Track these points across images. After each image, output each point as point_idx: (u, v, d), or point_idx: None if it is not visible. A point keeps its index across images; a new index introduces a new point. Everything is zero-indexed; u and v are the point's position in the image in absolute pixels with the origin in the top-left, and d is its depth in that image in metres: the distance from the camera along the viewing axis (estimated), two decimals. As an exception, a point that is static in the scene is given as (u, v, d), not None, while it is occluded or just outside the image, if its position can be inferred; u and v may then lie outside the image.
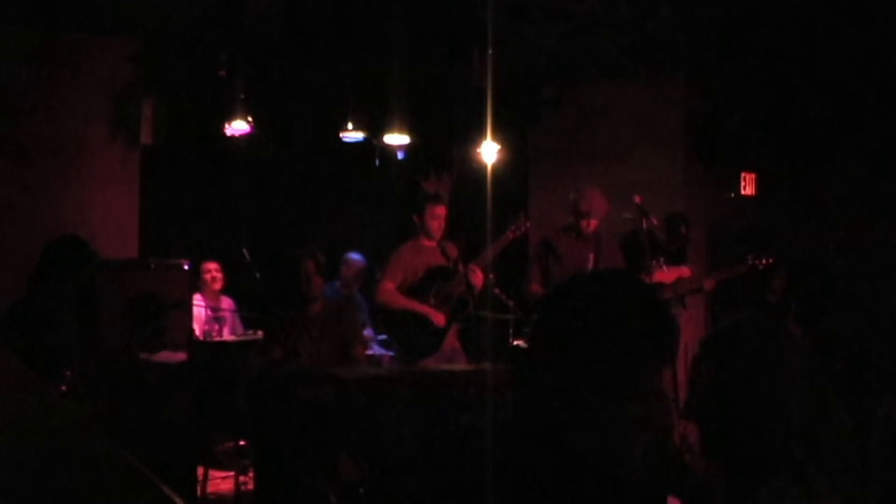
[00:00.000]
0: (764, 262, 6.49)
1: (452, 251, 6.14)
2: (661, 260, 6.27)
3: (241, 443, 5.85)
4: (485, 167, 7.07)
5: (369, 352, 6.55)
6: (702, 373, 1.82)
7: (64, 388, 4.51)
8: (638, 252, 6.50)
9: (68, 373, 4.57)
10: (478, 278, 6.02)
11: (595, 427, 1.67)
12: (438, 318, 5.99)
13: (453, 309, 6.05)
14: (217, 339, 6.63)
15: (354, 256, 7.68)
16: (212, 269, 7.12)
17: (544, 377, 1.73)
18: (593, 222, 6.13)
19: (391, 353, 6.44)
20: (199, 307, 6.66)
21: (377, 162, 7.66)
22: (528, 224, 6.27)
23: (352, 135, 7.20)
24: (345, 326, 5.62)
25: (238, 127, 6.81)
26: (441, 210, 6.13)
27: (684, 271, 6.40)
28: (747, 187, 8.01)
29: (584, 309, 1.73)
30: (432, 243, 6.13)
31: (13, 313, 4.72)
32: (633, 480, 1.66)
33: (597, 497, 1.62)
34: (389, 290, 6.05)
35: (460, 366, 5.69)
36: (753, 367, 1.74)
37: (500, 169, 7.21)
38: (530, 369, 1.77)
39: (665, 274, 6.27)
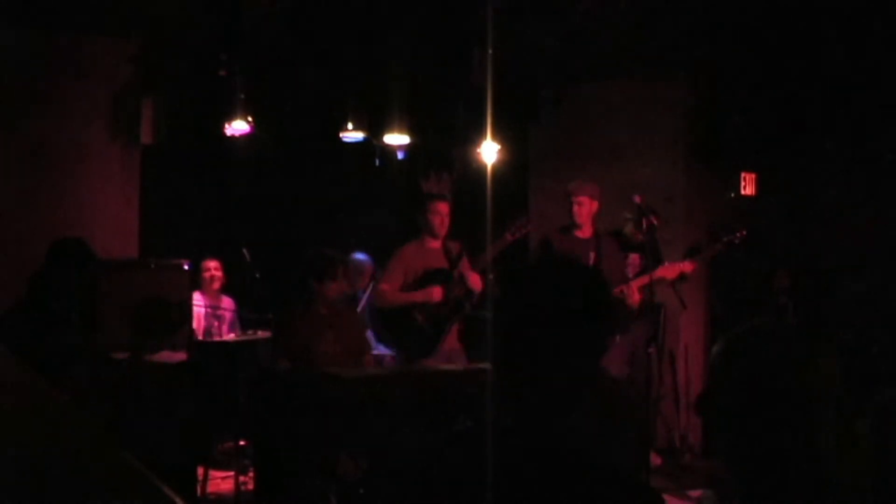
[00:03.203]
0: (738, 236, 6.44)
1: (455, 249, 6.13)
2: (633, 257, 6.28)
3: (241, 443, 5.86)
4: (485, 167, 7.07)
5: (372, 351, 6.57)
6: (722, 375, 1.77)
7: (82, 391, 4.52)
8: (637, 252, 6.50)
9: (84, 368, 4.59)
10: (475, 281, 6.01)
11: (561, 423, 1.66)
12: (435, 294, 5.96)
13: (450, 311, 6.03)
14: (217, 338, 6.63)
15: (359, 257, 7.67)
16: (211, 268, 7.12)
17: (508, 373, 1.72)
18: (584, 202, 6.10)
19: (392, 353, 6.42)
20: (198, 307, 6.65)
21: (377, 162, 7.66)
22: (529, 226, 6.24)
23: (352, 135, 7.21)
24: (355, 331, 5.62)
25: (238, 127, 6.81)
26: (444, 207, 6.11)
27: (686, 266, 6.37)
28: (747, 187, 8.00)
29: (534, 299, 1.72)
30: (436, 243, 6.10)
31: (15, 314, 4.73)
32: (611, 473, 1.65)
33: (582, 493, 1.62)
34: (386, 292, 6.04)
35: (460, 366, 5.68)
36: (784, 373, 1.69)
37: (500, 169, 7.21)
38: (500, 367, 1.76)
39: (666, 270, 6.27)
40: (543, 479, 1.61)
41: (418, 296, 5.98)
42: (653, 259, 6.14)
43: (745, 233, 6.41)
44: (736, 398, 1.71)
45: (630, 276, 6.41)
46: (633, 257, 6.58)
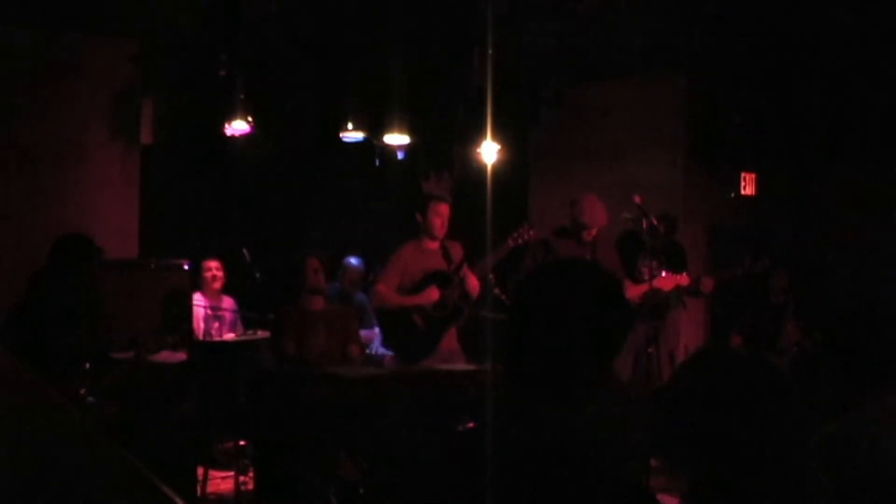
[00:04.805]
0: (761, 264, 6.51)
1: (456, 252, 6.08)
2: (654, 263, 6.24)
3: (241, 443, 5.85)
4: (485, 167, 7.07)
5: (372, 352, 6.57)
6: (671, 413, 1.77)
7: (83, 391, 4.52)
8: (636, 254, 6.49)
9: (85, 367, 4.59)
10: (474, 286, 5.98)
11: (563, 424, 1.66)
12: (432, 294, 5.93)
13: (448, 315, 6.00)
14: (217, 339, 6.62)
15: (353, 261, 7.67)
16: (212, 268, 7.10)
17: (518, 373, 1.72)
18: (593, 233, 6.11)
19: (392, 353, 6.42)
20: (199, 307, 6.65)
21: (377, 162, 7.66)
22: (532, 233, 6.18)
23: (352, 135, 7.20)
24: (344, 326, 5.66)
25: (238, 127, 6.81)
26: (444, 208, 6.06)
27: (683, 279, 6.36)
28: (747, 187, 8.02)
29: (546, 302, 1.72)
30: (435, 244, 6.06)
31: (21, 312, 4.72)
32: (609, 477, 1.65)
33: (580, 493, 1.61)
34: (382, 293, 6.01)
35: (460, 366, 5.67)
36: (726, 397, 1.68)
37: (500, 169, 7.21)
38: (508, 367, 1.75)
39: (663, 281, 6.26)
40: (546, 478, 1.61)
41: (414, 299, 5.96)
42: (671, 264, 6.19)
43: (768, 262, 6.50)
44: (684, 413, 1.72)
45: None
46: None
